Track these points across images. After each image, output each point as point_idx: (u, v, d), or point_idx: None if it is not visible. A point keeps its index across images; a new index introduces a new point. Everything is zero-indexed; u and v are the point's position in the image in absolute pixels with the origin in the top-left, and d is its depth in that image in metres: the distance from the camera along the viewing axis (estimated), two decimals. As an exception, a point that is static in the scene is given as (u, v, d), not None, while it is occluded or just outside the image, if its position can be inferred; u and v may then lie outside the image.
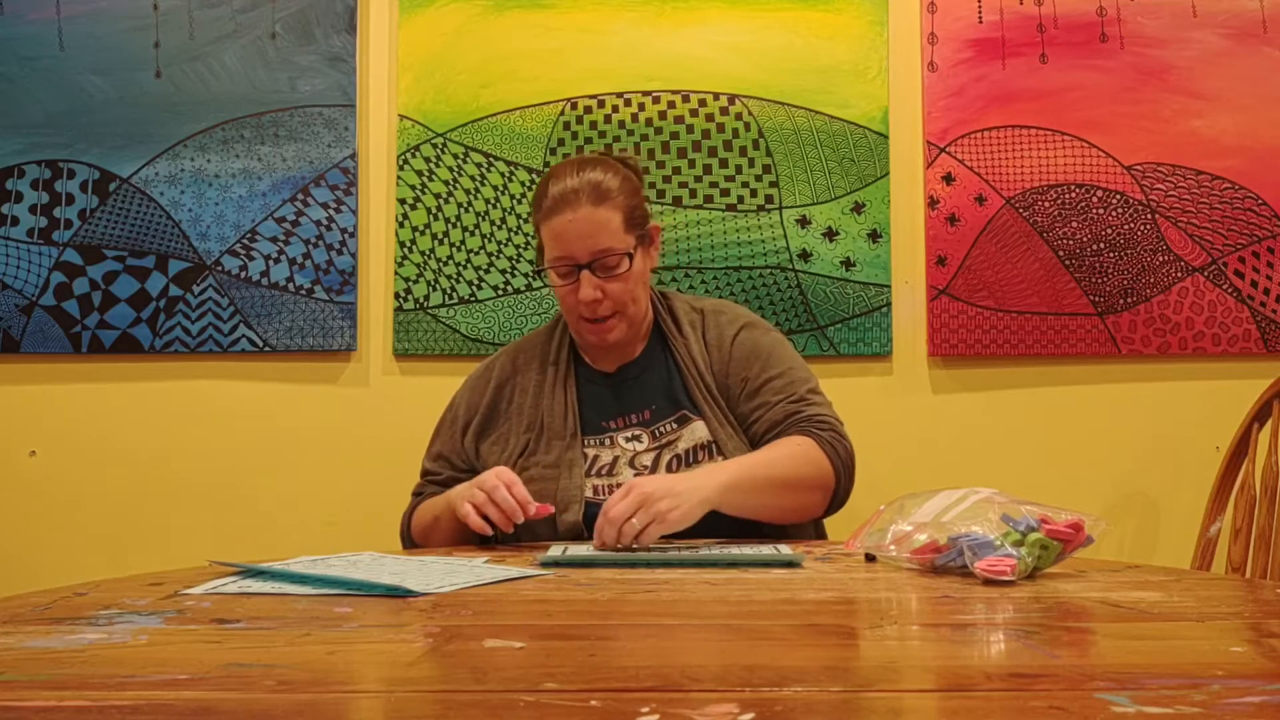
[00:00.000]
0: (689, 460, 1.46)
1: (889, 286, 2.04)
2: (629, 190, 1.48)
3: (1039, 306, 2.04)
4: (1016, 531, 1.01)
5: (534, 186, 2.03)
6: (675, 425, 1.48)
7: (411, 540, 1.53)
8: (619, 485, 1.42)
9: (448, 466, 1.56)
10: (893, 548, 1.08)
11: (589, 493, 1.44)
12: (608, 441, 1.49)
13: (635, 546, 1.20)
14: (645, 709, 0.53)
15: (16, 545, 2.03)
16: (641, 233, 1.50)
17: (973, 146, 2.05)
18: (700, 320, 1.56)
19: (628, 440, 1.48)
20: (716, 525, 1.32)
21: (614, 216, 1.44)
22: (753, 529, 1.38)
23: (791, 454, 1.39)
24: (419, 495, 1.56)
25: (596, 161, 1.49)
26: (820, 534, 1.59)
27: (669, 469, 1.45)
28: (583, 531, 1.41)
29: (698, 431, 1.48)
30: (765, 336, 1.55)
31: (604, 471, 1.46)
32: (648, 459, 1.46)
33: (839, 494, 1.45)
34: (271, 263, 2.04)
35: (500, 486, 1.28)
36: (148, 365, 2.05)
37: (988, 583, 0.96)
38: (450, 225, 2.05)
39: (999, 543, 1.00)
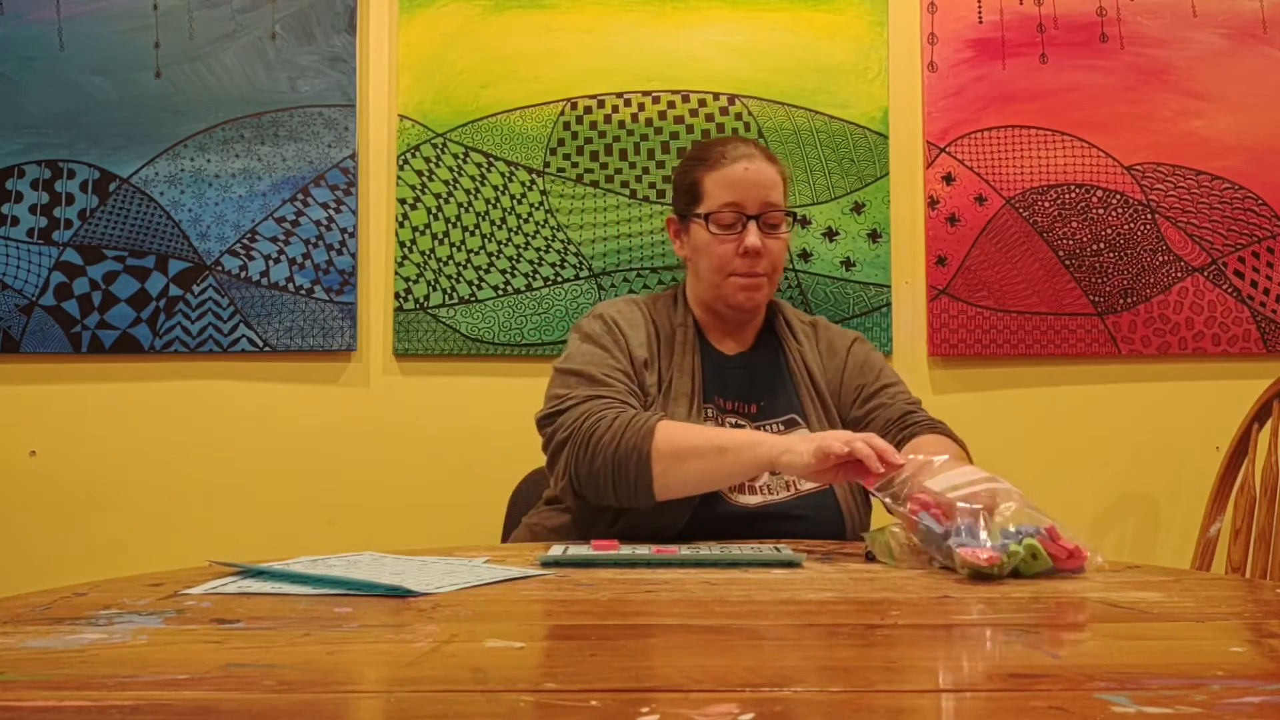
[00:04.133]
0: None
1: (889, 286, 2.04)
2: None
3: (1039, 306, 2.04)
4: (1017, 535, 1.01)
5: (534, 186, 2.04)
6: (782, 427, 1.49)
7: (648, 456, 1.30)
8: None
9: (625, 380, 1.44)
10: (888, 499, 1.11)
11: None
12: (716, 416, 1.48)
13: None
14: (645, 709, 0.53)
15: (16, 545, 2.02)
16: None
17: (973, 146, 2.05)
18: (813, 331, 1.61)
19: (733, 424, 1.48)
20: (729, 529, 1.36)
21: (780, 180, 1.52)
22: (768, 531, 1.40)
23: (952, 448, 1.39)
24: (595, 400, 1.38)
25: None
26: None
27: None
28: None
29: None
30: (875, 352, 1.61)
31: None
32: None
33: None
34: (271, 263, 2.03)
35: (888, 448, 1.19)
36: (148, 365, 2.05)
37: (975, 577, 0.97)
38: (450, 225, 2.05)
39: (989, 538, 1.00)
